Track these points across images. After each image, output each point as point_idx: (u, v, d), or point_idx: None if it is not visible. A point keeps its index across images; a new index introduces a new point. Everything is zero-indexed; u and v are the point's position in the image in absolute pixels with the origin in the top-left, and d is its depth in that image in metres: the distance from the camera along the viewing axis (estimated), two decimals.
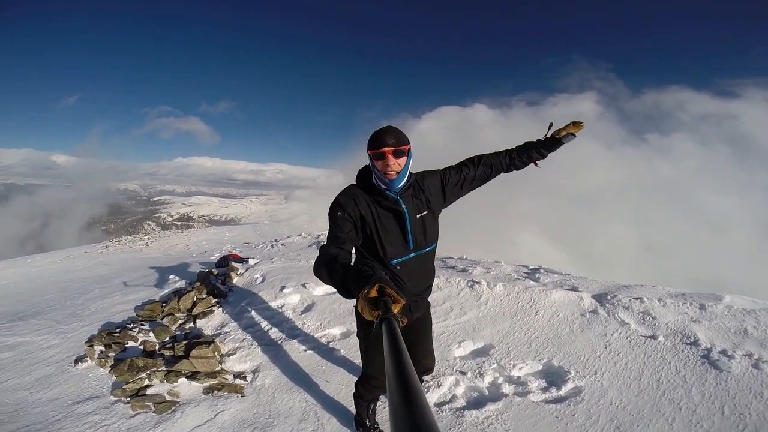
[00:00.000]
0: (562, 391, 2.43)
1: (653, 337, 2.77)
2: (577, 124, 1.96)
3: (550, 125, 1.99)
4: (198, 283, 4.75)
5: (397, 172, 1.59)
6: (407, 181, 1.67)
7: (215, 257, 7.89)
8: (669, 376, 2.41)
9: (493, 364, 2.77)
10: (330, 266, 1.42)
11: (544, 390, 2.47)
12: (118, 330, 3.41)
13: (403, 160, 1.60)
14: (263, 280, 4.81)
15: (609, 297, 3.37)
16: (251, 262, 5.95)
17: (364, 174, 1.72)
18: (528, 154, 1.98)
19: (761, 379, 2.25)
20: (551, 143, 1.97)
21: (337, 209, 1.62)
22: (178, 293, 4.50)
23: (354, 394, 2.17)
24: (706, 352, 2.56)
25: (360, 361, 2.91)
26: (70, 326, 3.87)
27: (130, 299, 4.68)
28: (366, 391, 2.07)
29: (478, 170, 1.90)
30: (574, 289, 3.78)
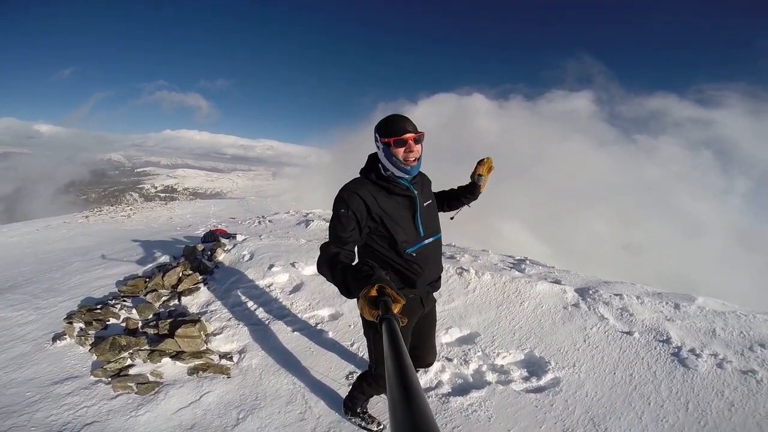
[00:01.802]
0: (542, 381, 2.52)
1: (629, 333, 2.88)
2: (481, 163, 2.14)
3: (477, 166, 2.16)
4: (183, 259, 4.67)
5: (416, 159, 1.60)
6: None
7: (200, 231, 7.75)
8: (641, 372, 2.52)
9: (478, 352, 2.85)
10: (331, 265, 1.44)
11: (525, 379, 2.56)
12: (99, 306, 3.33)
13: (419, 147, 1.62)
14: (251, 258, 4.75)
15: (591, 292, 3.47)
16: (239, 238, 5.85)
17: (370, 165, 1.70)
18: (456, 201, 2.16)
19: (723, 378, 2.38)
20: (472, 188, 2.15)
21: (341, 206, 1.58)
22: (163, 268, 4.42)
23: (355, 386, 2.15)
24: (676, 349, 2.67)
25: (348, 344, 2.95)
26: (47, 301, 3.75)
27: (112, 273, 4.57)
28: (371, 389, 2.06)
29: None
30: (557, 281, 3.87)
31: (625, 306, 3.22)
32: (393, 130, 1.57)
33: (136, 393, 2.35)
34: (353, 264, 1.36)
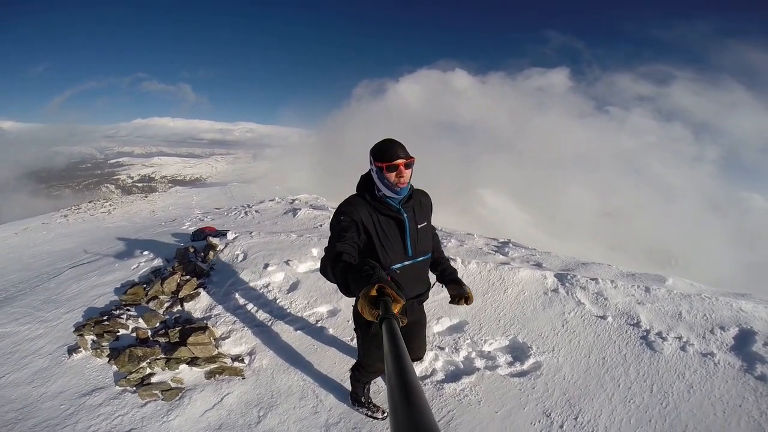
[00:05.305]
0: (525, 366, 2.78)
1: (603, 317, 3.15)
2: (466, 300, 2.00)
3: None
4: (176, 262, 4.75)
5: (406, 182, 1.78)
6: (409, 191, 1.86)
7: (187, 226, 7.73)
8: (613, 355, 2.77)
9: (467, 339, 3.08)
10: (334, 263, 1.50)
11: (510, 364, 2.82)
12: (105, 317, 3.43)
13: (409, 172, 1.79)
14: (245, 258, 4.83)
15: (569, 277, 3.73)
16: (229, 236, 5.90)
17: (364, 185, 1.87)
18: (438, 275, 2.15)
19: (685, 360, 2.62)
20: (451, 284, 2.08)
21: (340, 216, 1.76)
22: (159, 274, 4.51)
23: (351, 377, 2.44)
24: (645, 333, 2.92)
25: (348, 339, 3.17)
26: (50, 314, 3.81)
27: (107, 281, 4.61)
28: (363, 375, 2.34)
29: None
30: (538, 265, 4.13)
31: (600, 290, 3.49)
32: (386, 156, 1.73)
33: (162, 399, 2.53)
34: (355, 263, 1.41)
